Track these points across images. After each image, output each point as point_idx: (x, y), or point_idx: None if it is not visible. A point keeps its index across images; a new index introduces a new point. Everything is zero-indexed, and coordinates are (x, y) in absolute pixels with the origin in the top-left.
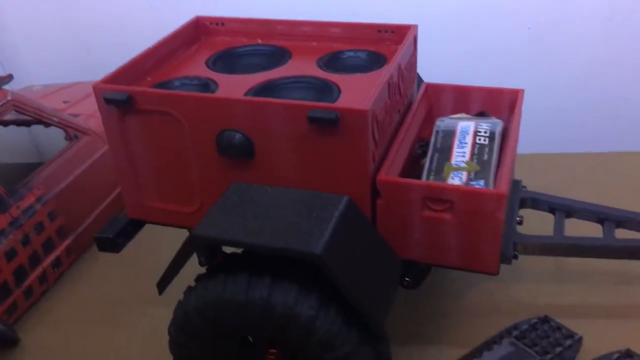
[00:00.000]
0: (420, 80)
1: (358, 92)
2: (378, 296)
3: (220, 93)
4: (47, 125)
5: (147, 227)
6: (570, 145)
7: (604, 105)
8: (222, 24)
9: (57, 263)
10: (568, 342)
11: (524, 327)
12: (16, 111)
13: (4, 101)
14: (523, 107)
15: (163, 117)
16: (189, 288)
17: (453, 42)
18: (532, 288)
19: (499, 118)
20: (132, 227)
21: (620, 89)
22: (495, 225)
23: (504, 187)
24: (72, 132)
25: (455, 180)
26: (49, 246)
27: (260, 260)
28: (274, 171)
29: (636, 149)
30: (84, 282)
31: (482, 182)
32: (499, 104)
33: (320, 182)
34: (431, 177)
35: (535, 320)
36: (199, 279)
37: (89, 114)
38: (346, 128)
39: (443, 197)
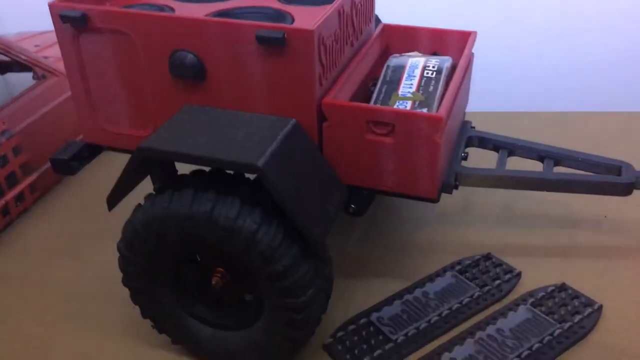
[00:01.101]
0: (379, 21)
1: (309, 20)
2: (318, 214)
3: (178, 14)
4: (16, 64)
5: (114, 167)
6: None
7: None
8: None
9: (20, 198)
10: (507, 276)
11: (467, 262)
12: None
13: None
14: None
15: (117, 37)
16: (138, 205)
17: None
18: (478, 230)
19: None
20: (88, 152)
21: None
22: (433, 149)
23: (442, 112)
24: (40, 72)
25: (401, 107)
26: (12, 180)
27: (207, 178)
28: (225, 93)
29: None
30: (48, 218)
31: (425, 110)
32: (451, 45)
33: (270, 105)
34: (378, 104)
35: (478, 257)
36: (148, 196)
37: (59, 57)
38: (293, 49)
39: (385, 121)
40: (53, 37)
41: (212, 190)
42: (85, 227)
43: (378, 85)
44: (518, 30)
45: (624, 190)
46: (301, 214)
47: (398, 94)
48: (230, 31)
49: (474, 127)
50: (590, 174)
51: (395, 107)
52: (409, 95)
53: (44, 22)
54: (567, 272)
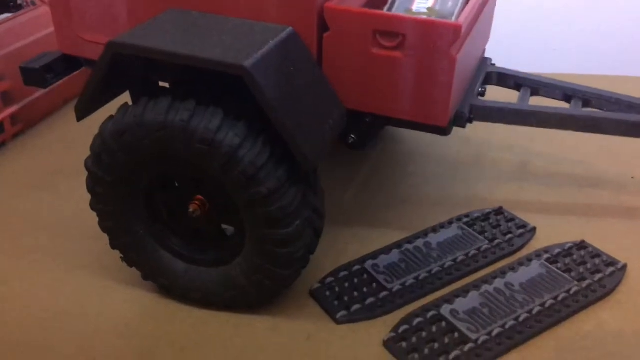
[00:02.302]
0: None
1: None
2: (311, 133)
3: None
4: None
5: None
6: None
7: None
8: None
9: None
10: (520, 231)
11: (476, 215)
12: None
13: None
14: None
15: None
16: (110, 116)
17: None
18: (491, 185)
19: None
20: (65, 65)
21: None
22: (449, 65)
23: (460, 23)
24: None
25: None
26: None
27: (188, 88)
28: None
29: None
30: (28, 153)
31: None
32: None
33: (267, 11)
34: None
35: (488, 211)
36: (122, 106)
37: None
38: None
39: (394, 30)
40: None
41: (191, 99)
42: (65, 164)
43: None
44: None
45: None
46: (292, 129)
47: (412, 9)
48: None
49: (494, 64)
50: (620, 114)
51: None
52: (424, 10)
53: None
54: (587, 230)
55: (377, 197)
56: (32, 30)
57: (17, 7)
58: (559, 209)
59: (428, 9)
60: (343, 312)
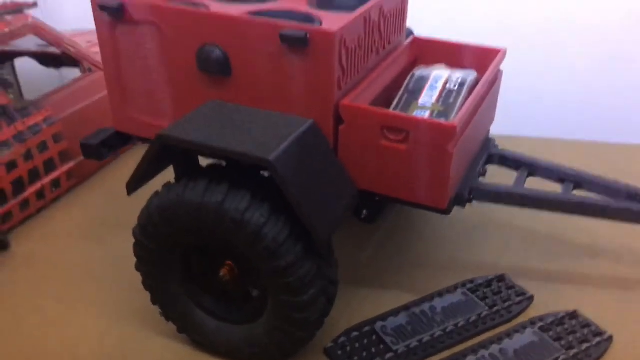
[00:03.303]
0: (411, 34)
1: (335, 24)
2: (326, 214)
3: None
4: (66, 57)
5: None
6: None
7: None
8: None
9: (56, 183)
10: (518, 299)
11: (480, 281)
12: (36, 35)
13: (25, 23)
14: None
15: (150, 29)
16: (155, 192)
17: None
18: (496, 250)
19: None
20: (118, 140)
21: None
22: (445, 158)
23: (455, 123)
24: (87, 65)
25: (419, 115)
26: (50, 166)
27: (222, 171)
28: (249, 91)
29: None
30: (80, 205)
31: (442, 120)
32: (480, 61)
33: (291, 105)
34: (397, 111)
35: (491, 277)
36: (165, 184)
37: None
38: (314, 50)
39: (400, 127)
40: None
41: (225, 183)
42: (114, 216)
43: (400, 93)
44: (555, 51)
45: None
46: (308, 212)
47: (418, 104)
48: (256, 29)
49: (497, 145)
50: (607, 199)
51: (412, 115)
52: (428, 105)
53: None
54: (582, 300)
55: (390, 260)
56: (88, 94)
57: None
58: (558, 277)
59: (432, 103)
60: None
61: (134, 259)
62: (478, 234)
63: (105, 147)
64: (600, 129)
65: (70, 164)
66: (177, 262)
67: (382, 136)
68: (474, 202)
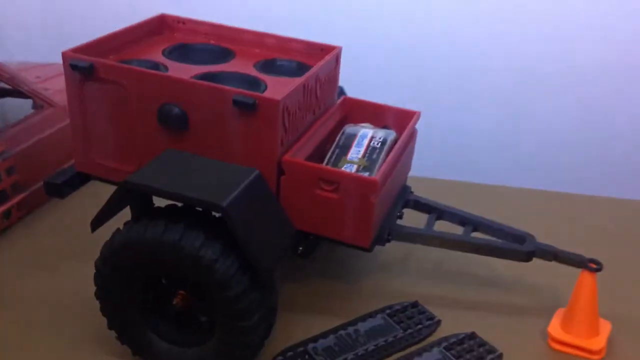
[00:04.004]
0: (343, 92)
1: (280, 90)
2: (269, 252)
3: (170, 74)
4: (17, 92)
5: (94, 195)
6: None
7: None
8: (183, 23)
9: (7, 214)
10: (428, 322)
11: (397, 307)
12: None
13: None
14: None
15: (117, 87)
16: (117, 229)
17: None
18: (412, 280)
19: (399, 133)
20: (78, 180)
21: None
22: (368, 207)
23: (377, 177)
24: (39, 102)
25: (347, 169)
26: (2, 197)
27: (179, 213)
28: (203, 144)
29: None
30: (30, 234)
31: (367, 174)
32: (399, 121)
33: (240, 157)
34: (330, 165)
35: (406, 304)
36: (127, 223)
37: (57, 90)
38: (262, 113)
39: (332, 179)
40: (53, 71)
41: (181, 223)
42: (63, 246)
43: (332, 149)
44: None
45: (525, 257)
46: (254, 250)
47: (347, 158)
48: (213, 93)
49: (412, 192)
50: (500, 240)
51: (342, 169)
52: (355, 160)
53: (46, 53)
54: (480, 323)
55: (321, 289)
56: (40, 129)
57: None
58: (461, 304)
59: (358, 158)
60: None
61: (85, 287)
62: (397, 266)
63: (66, 186)
64: (504, 174)
65: (22, 196)
66: (134, 291)
67: (317, 186)
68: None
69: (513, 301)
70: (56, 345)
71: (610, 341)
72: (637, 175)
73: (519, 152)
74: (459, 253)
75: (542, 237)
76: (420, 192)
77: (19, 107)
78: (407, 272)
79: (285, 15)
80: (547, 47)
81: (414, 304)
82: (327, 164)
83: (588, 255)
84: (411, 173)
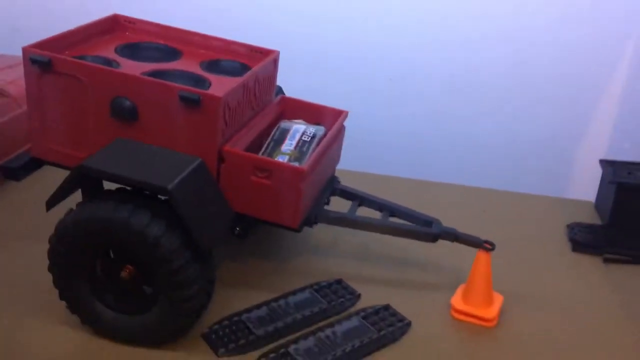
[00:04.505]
0: (281, 92)
1: (222, 87)
2: (209, 229)
3: (121, 70)
4: None
5: (48, 183)
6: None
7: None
8: (134, 23)
9: None
10: (349, 296)
11: (323, 284)
12: None
13: None
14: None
15: (73, 80)
16: (70, 209)
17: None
18: (339, 260)
19: (328, 129)
20: (33, 165)
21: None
22: (297, 192)
23: (305, 167)
24: None
25: (280, 160)
26: None
27: (127, 194)
28: (152, 134)
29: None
30: None
31: (296, 164)
32: (330, 118)
33: (185, 146)
34: (265, 155)
35: (332, 281)
36: (79, 203)
37: (9, 81)
38: (205, 108)
39: (265, 167)
40: (4, 62)
41: (130, 203)
42: (18, 226)
43: (267, 142)
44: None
45: (431, 238)
46: (196, 228)
47: (281, 150)
48: (161, 89)
49: (339, 182)
50: (411, 224)
51: (276, 159)
52: (288, 151)
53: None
54: (394, 297)
55: (256, 266)
56: None
57: None
58: (380, 280)
59: (290, 150)
60: (222, 349)
61: (39, 262)
62: (326, 248)
63: (22, 170)
64: (421, 168)
65: None
66: (84, 265)
67: (252, 173)
68: (321, 224)
69: (424, 278)
70: (10, 314)
71: (502, 311)
72: (539, 172)
73: (435, 150)
74: (380, 236)
75: (447, 223)
76: (347, 182)
77: None
78: (335, 254)
79: (233, 19)
80: (470, 55)
81: (339, 281)
82: (262, 154)
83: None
84: (341, 166)
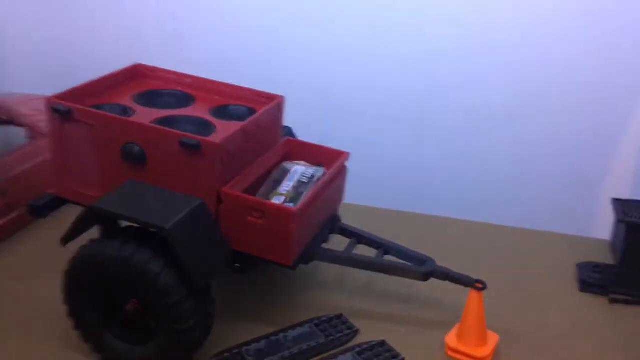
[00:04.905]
0: (290, 133)
1: (224, 133)
2: (203, 267)
3: (132, 118)
4: (17, 124)
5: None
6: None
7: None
8: (154, 71)
9: None
10: (348, 331)
11: (324, 319)
12: None
13: None
14: None
15: (89, 127)
16: (83, 245)
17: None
18: (341, 296)
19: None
20: (56, 203)
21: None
22: (289, 231)
23: (295, 209)
24: (34, 133)
25: (276, 201)
26: None
27: (132, 232)
28: (159, 176)
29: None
30: (15, 250)
31: (291, 205)
32: (331, 160)
33: (188, 188)
34: (260, 197)
35: (332, 316)
36: (91, 239)
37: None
38: (205, 153)
39: (259, 208)
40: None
41: (133, 242)
42: (40, 260)
43: (267, 182)
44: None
45: (422, 277)
46: (190, 265)
47: (278, 191)
48: (165, 135)
49: (340, 220)
50: (403, 262)
51: (272, 200)
52: (284, 192)
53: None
54: (391, 333)
55: (260, 301)
56: (30, 158)
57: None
58: (379, 317)
59: (287, 191)
60: None
61: (57, 294)
62: (330, 284)
63: (46, 208)
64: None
65: (12, 215)
66: (95, 298)
67: (248, 214)
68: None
69: (425, 315)
70: (29, 341)
71: (498, 350)
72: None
73: (453, 185)
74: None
75: (457, 259)
76: (354, 218)
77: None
78: (339, 289)
79: (248, 65)
80: (485, 90)
81: (339, 316)
82: (260, 194)
83: (485, 277)
84: (353, 201)
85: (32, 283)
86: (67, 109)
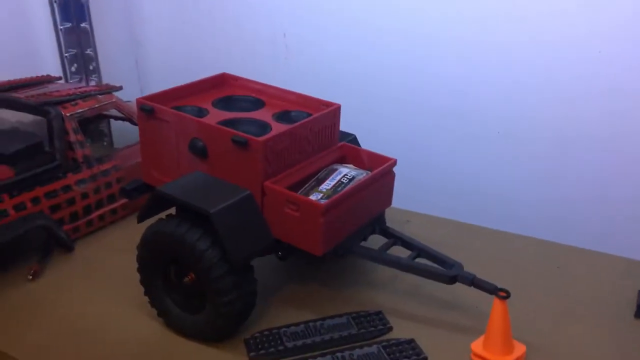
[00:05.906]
0: (355, 141)
1: (274, 133)
2: (241, 249)
3: (203, 118)
4: (133, 123)
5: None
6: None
7: None
8: (236, 80)
9: (114, 212)
10: (380, 327)
11: (362, 313)
12: (116, 109)
13: (110, 101)
14: None
15: (167, 124)
16: (151, 224)
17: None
18: (387, 296)
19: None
20: (144, 188)
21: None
22: (318, 224)
23: (323, 204)
24: None
25: (314, 197)
26: (111, 199)
27: (191, 216)
28: (218, 168)
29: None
30: (129, 229)
31: (322, 201)
32: (379, 164)
33: (240, 179)
34: (302, 192)
35: (372, 311)
36: (158, 219)
37: None
38: (252, 150)
39: (294, 202)
40: None
41: (187, 222)
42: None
43: (312, 180)
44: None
45: (448, 280)
46: (230, 246)
47: (318, 189)
48: (221, 133)
49: (384, 222)
50: (432, 264)
51: (311, 196)
52: (324, 190)
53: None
54: (423, 333)
55: (309, 291)
56: None
57: None
58: (417, 317)
59: (326, 190)
60: (253, 353)
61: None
62: (382, 283)
63: (135, 192)
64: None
65: (124, 200)
66: (160, 269)
67: (285, 206)
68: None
69: (460, 320)
70: (112, 303)
71: None
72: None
73: (525, 203)
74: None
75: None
76: (423, 228)
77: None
78: (386, 289)
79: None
80: (570, 108)
81: (378, 313)
82: (302, 190)
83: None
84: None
85: (126, 256)
86: (151, 107)
